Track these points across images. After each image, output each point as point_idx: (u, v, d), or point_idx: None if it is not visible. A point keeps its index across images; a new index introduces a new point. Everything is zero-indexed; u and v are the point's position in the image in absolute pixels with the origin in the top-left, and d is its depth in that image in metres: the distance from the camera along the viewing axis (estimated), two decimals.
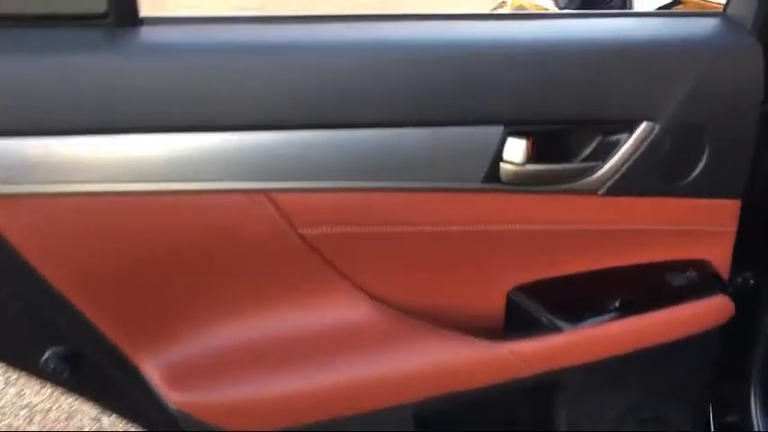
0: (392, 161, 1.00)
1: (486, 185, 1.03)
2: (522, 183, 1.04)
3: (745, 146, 1.15)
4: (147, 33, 0.95)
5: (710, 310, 1.19)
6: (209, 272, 1.00)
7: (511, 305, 1.14)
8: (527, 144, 1.02)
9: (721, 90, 1.11)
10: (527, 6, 2.91)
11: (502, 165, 1.03)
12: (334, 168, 0.98)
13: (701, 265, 1.22)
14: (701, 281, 1.21)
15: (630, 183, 1.09)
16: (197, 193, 0.95)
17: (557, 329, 1.11)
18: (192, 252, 0.98)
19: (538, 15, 1.14)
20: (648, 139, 1.08)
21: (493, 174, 1.03)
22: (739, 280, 1.32)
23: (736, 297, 1.23)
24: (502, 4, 3.23)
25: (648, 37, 1.10)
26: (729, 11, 1.16)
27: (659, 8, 1.92)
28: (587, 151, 1.08)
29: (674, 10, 1.16)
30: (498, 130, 1.02)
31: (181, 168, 0.94)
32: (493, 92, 1.01)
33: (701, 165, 1.12)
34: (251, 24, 1.03)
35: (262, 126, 0.96)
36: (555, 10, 2.52)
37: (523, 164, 1.02)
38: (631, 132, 1.08)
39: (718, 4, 1.65)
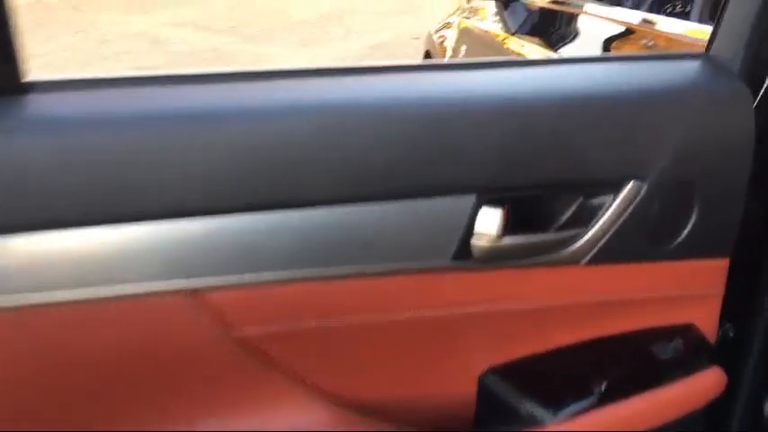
0: (347, 243, 0.84)
1: (457, 263, 0.88)
2: (497, 258, 0.90)
3: (737, 201, 1.04)
4: (34, 103, 0.77)
5: (703, 386, 1.07)
6: (130, 392, 0.83)
7: (483, 389, 0.99)
8: (502, 213, 0.88)
9: (711, 141, 1.00)
10: (472, 29, 2.79)
11: (474, 239, 0.88)
12: (276, 257, 0.82)
13: (686, 330, 1.10)
14: (687, 347, 1.09)
15: (616, 249, 0.96)
16: (106, 301, 0.77)
17: (536, 421, 0.96)
18: (104, 371, 0.80)
19: (504, 63, 1.00)
20: (636, 200, 0.95)
21: (464, 250, 0.88)
22: (719, 333, 1.21)
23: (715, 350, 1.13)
24: (446, 26, 3.12)
25: (630, 86, 0.98)
26: (713, 51, 1.05)
27: (609, 39, 1.81)
28: (569, 217, 0.95)
29: (650, 52, 1.04)
30: (470, 199, 0.87)
31: (83, 271, 0.76)
32: (462, 156, 0.87)
33: (691, 224, 1.01)
34: (166, 86, 0.85)
35: (184, 213, 0.79)
36: (502, 33, 2.41)
37: (499, 236, 0.88)
38: (617, 193, 0.95)
39: (670, 34, 1.55)
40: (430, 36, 3.32)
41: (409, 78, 0.93)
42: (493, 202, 0.88)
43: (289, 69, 0.88)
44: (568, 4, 2.17)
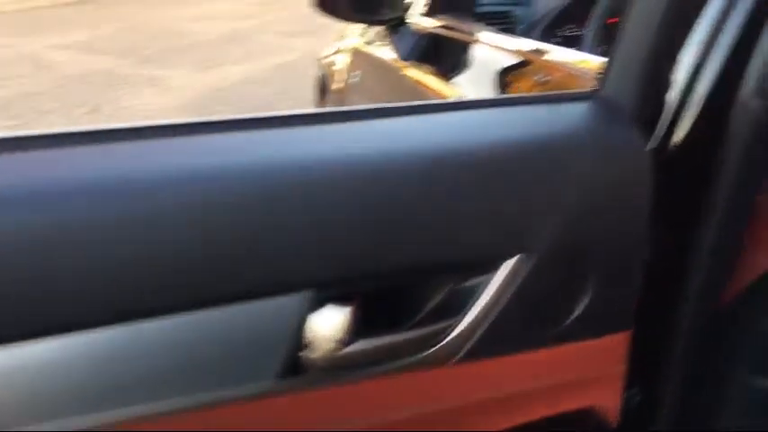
0: (133, 374, 0.63)
1: (289, 383, 0.69)
2: (345, 368, 0.71)
3: (636, 266, 0.89)
4: None
5: None
6: None
7: None
8: (349, 312, 0.69)
9: (604, 199, 0.84)
10: (366, 54, 2.62)
11: (311, 348, 0.69)
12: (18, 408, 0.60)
13: (586, 416, 0.95)
14: None
15: (497, 339, 0.79)
16: None
17: None
18: None
19: (350, 114, 0.80)
20: (520, 278, 0.79)
21: (297, 364, 0.69)
22: (624, 400, 1.06)
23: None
24: (337, 52, 2.94)
25: (511, 138, 0.81)
26: (604, 92, 0.90)
27: (504, 71, 1.66)
28: (437, 307, 0.77)
29: (536, 93, 0.89)
30: (304, 298, 0.68)
31: None
32: (291, 242, 0.67)
33: (586, 299, 0.85)
34: None
35: None
36: (393, 56, 2.25)
37: (344, 342, 0.69)
38: (496, 272, 0.77)
39: (564, 65, 1.40)
40: (320, 61, 3.13)
41: (213, 140, 0.72)
42: (337, 299, 0.69)
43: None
44: (459, 31, 2.02)
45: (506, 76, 1.67)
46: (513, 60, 1.63)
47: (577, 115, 0.88)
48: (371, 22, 2.23)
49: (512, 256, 0.77)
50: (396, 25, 2.17)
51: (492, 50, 1.76)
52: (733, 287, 1.03)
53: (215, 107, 5.78)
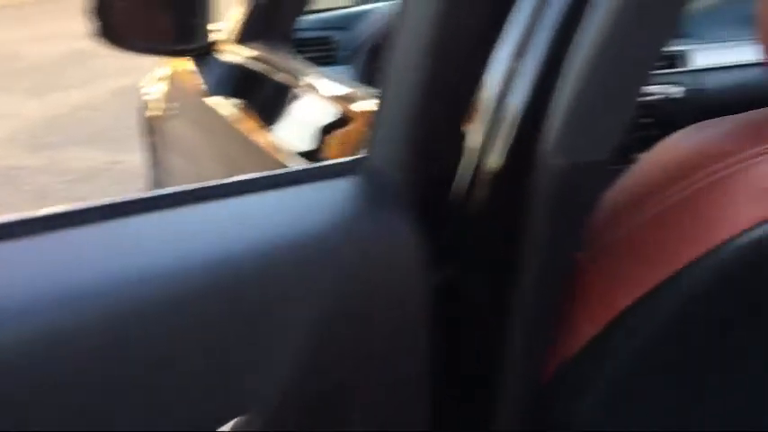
0: None
1: None
2: None
3: (420, 389, 0.69)
4: None
5: None
6: None
7: None
8: None
9: (365, 318, 0.63)
10: (179, 79, 2.33)
11: None
12: None
13: None
14: None
15: None
16: None
17: None
18: None
19: None
20: None
21: None
22: None
23: None
24: (161, 80, 2.64)
25: (232, 248, 0.58)
26: (371, 160, 0.70)
27: (327, 127, 1.42)
28: None
29: (286, 169, 0.68)
30: None
31: None
32: None
33: None
34: None
35: None
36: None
37: None
38: None
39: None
40: (139, 89, 2.83)
41: None
42: None
43: None
44: (272, 64, 1.78)
45: (329, 137, 1.41)
46: (332, 112, 1.40)
47: (332, 199, 0.67)
48: (170, 54, 1.97)
49: (225, 422, 0.55)
50: (201, 55, 1.91)
51: (309, 94, 1.53)
52: (553, 363, 0.86)
53: (49, 137, 5.35)
